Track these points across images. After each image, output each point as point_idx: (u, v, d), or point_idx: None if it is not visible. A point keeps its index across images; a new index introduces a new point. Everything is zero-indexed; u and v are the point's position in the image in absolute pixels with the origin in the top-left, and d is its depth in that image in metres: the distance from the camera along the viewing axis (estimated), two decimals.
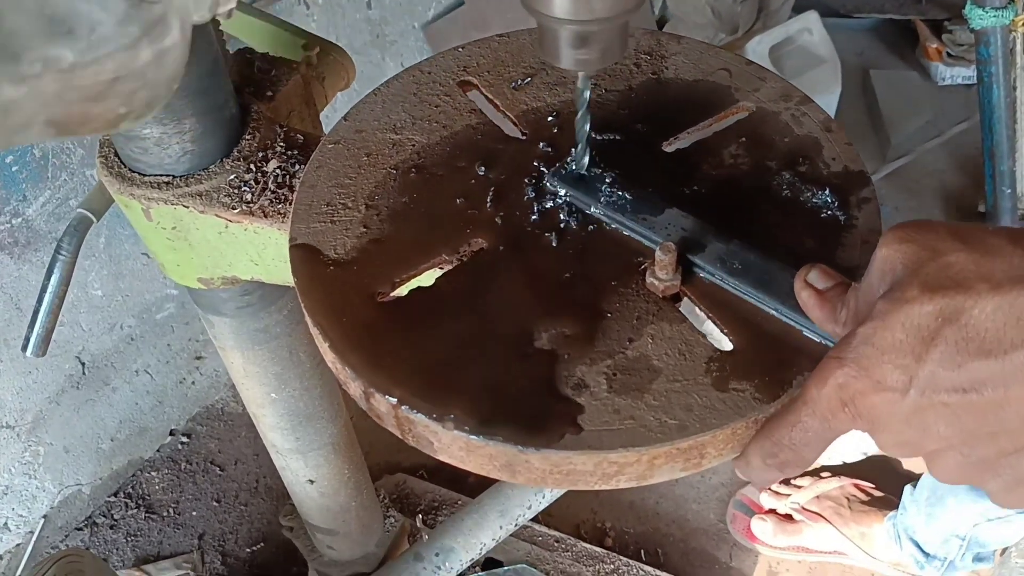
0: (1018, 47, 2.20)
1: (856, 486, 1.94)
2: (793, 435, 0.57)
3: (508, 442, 0.61)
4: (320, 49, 1.09)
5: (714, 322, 0.68)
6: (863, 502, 1.91)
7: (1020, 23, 2.14)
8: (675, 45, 0.89)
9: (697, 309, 0.69)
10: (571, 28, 0.62)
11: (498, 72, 0.88)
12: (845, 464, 2.02)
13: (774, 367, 0.64)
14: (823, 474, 1.98)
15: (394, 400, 0.64)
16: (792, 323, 0.66)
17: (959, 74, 2.93)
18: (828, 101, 2.38)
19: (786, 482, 1.97)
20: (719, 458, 0.65)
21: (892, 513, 1.82)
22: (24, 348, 1.00)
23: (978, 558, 1.73)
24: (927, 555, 1.74)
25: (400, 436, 0.67)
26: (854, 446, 1.93)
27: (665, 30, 2.69)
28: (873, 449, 1.91)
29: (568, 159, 0.78)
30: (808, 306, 0.62)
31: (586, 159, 0.77)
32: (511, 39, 0.91)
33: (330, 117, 1.09)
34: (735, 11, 2.61)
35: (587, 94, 0.72)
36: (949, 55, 2.92)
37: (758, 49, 2.23)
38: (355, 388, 0.67)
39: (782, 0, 2.82)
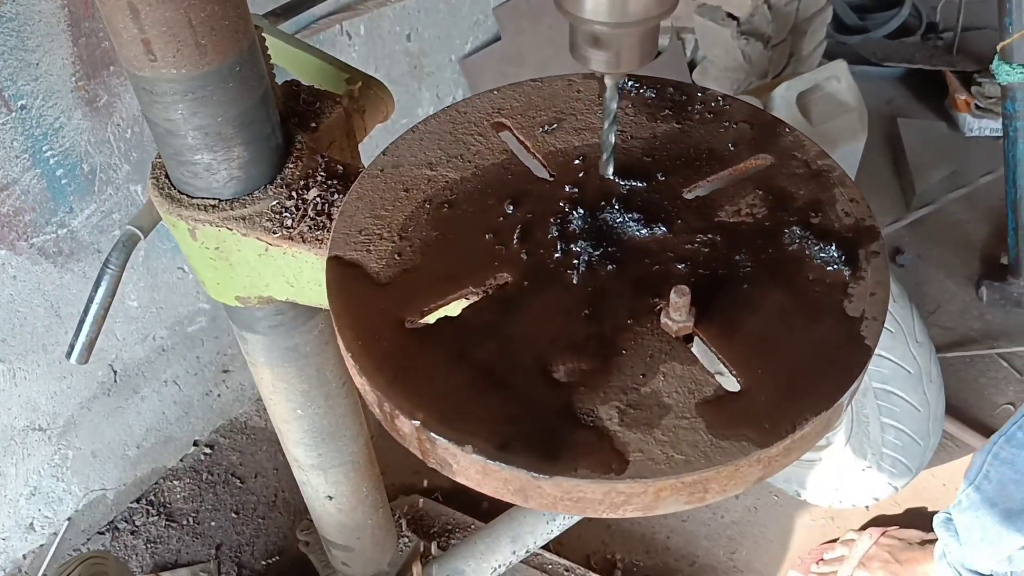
0: None
1: (887, 535, 1.95)
2: None
3: (523, 468, 0.65)
4: (362, 83, 1.15)
5: (724, 363, 0.71)
6: (905, 548, 1.92)
7: None
8: (698, 95, 0.94)
9: (708, 350, 0.72)
10: (602, 30, 0.65)
11: (530, 115, 0.93)
12: (868, 508, 2.04)
13: (779, 410, 0.67)
14: (848, 537, 1.99)
15: (417, 423, 0.68)
16: None
17: (987, 126, 2.95)
18: (854, 149, 2.41)
19: (821, 561, 1.98)
20: (722, 493, 0.68)
21: (937, 548, 1.82)
22: (68, 355, 1.05)
23: None
24: None
25: (421, 457, 0.71)
26: (867, 490, 1.94)
27: (695, 73, 2.74)
28: (882, 493, 1.93)
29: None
30: None
31: (611, 168, 0.82)
32: (544, 84, 0.96)
33: (367, 147, 1.15)
34: (766, 56, 2.66)
35: (614, 104, 0.76)
36: (977, 107, 2.95)
37: (786, 95, 2.27)
38: (381, 410, 0.71)
39: (812, 47, 2.87)
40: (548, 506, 0.67)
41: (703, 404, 0.68)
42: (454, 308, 0.77)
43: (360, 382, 0.73)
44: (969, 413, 2.26)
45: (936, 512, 1.94)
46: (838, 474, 1.91)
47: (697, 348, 0.74)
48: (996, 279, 2.49)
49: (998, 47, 2.16)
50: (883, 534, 1.96)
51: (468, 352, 0.73)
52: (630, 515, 0.68)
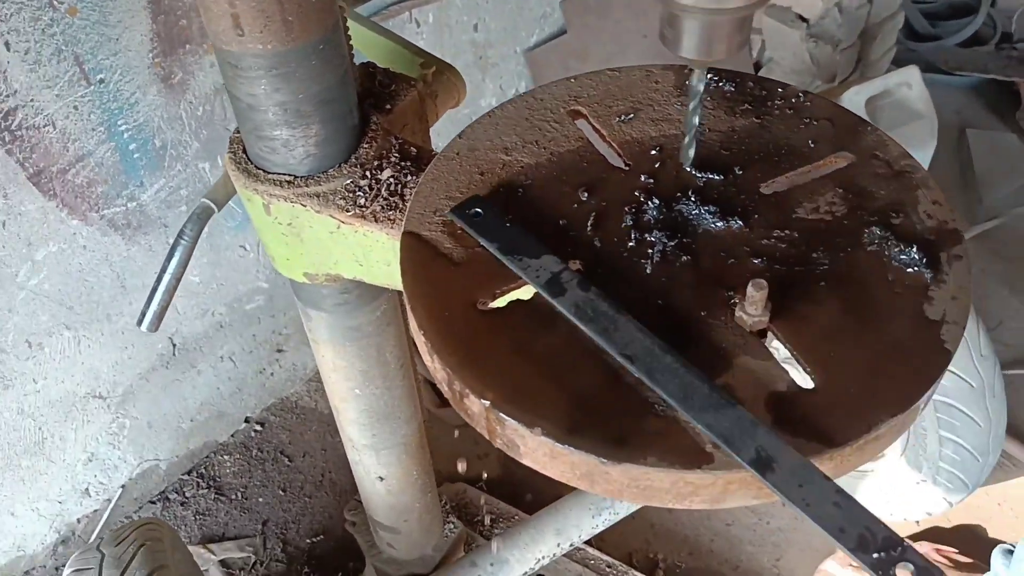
0: None
1: (939, 552, 1.91)
2: None
3: (592, 453, 0.65)
4: (436, 68, 1.16)
5: (798, 360, 0.70)
6: (953, 570, 1.87)
7: None
8: (779, 90, 0.93)
9: (782, 346, 0.71)
10: (695, 16, 0.66)
11: (606, 104, 0.92)
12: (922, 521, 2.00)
13: (852, 410, 0.66)
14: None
15: (487, 403, 0.68)
16: None
17: None
18: (922, 157, 2.36)
19: None
20: None
21: None
22: (139, 323, 1.07)
23: None
24: None
25: (488, 437, 0.72)
26: (920, 503, 1.90)
27: (760, 73, 2.71)
28: (936, 508, 1.89)
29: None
30: None
31: (692, 152, 0.81)
32: (621, 74, 0.95)
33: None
34: (834, 59, 2.61)
35: (701, 87, 0.76)
36: None
37: (855, 99, 2.23)
38: (450, 388, 0.72)
39: (882, 52, 2.81)
40: (614, 493, 0.67)
41: (776, 400, 0.68)
42: (525, 292, 0.77)
43: (431, 360, 0.74)
44: None
45: (996, 541, 1.90)
46: (891, 486, 1.88)
47: (769, 343, 0.73)
48: None
49: None
50: (935, 550, 1.92)
51: (539, 336, 0.73)
52: (696, 507, 0.68)
